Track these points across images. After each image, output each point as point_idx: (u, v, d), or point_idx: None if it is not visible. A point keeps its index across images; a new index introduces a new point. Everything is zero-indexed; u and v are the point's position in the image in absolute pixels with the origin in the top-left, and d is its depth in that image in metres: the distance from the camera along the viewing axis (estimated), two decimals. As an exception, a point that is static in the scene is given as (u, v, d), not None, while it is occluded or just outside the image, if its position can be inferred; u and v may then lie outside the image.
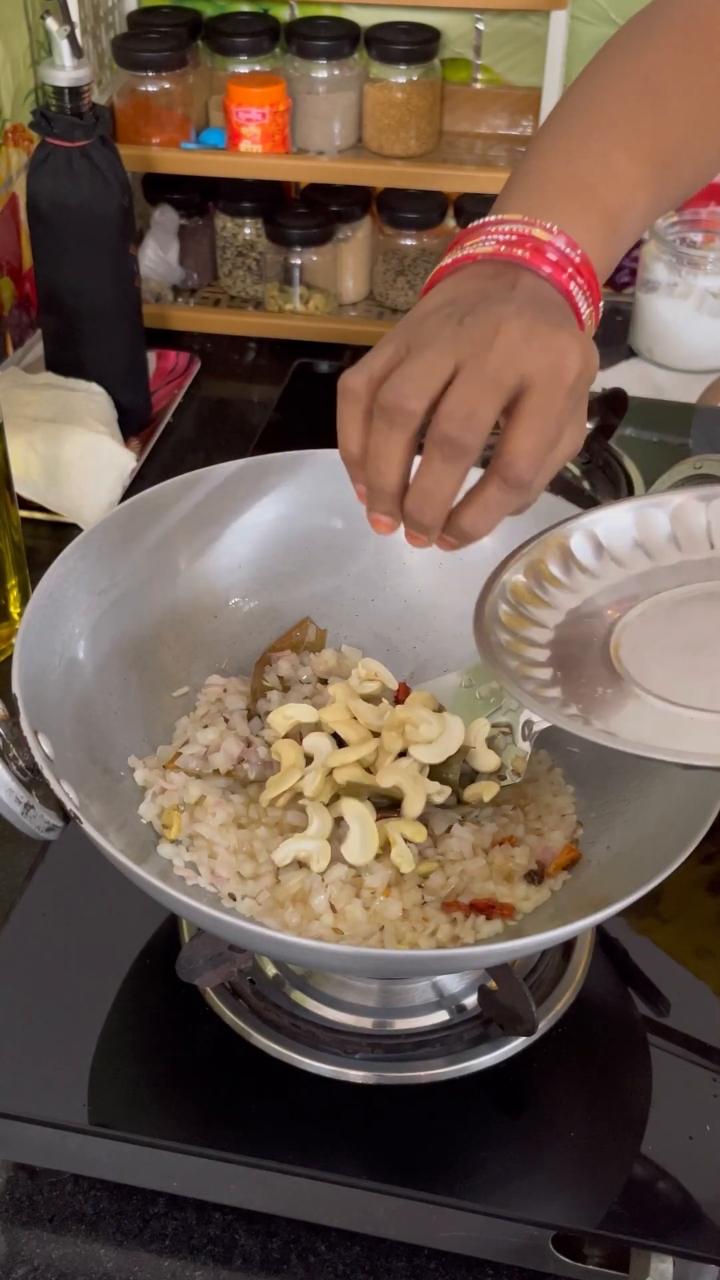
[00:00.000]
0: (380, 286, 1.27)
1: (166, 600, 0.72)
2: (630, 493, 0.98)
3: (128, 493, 1.03)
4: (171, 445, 1.12)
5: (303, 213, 1.21)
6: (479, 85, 1.25)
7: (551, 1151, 0.60)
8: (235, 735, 0.69)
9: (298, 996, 0.65)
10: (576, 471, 1.02)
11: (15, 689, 0.59)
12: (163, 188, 1.25)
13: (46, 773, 0.57)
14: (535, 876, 0.64)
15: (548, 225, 0.57)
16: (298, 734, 0.68)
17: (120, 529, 0.70)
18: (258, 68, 1.20)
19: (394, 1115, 0.61)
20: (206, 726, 0.70)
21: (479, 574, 0.74)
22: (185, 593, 0.73)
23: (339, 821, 0.65)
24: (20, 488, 0.96)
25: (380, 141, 1.19)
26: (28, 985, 0.66)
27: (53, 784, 0.57)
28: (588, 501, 0.78)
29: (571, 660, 0.58)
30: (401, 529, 0.57)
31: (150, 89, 1.18)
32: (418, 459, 0.55)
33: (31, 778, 0.58)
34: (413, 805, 0.64)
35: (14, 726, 0.59)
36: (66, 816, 0.59)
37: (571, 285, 0.57)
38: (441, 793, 0.66)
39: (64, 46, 0.95)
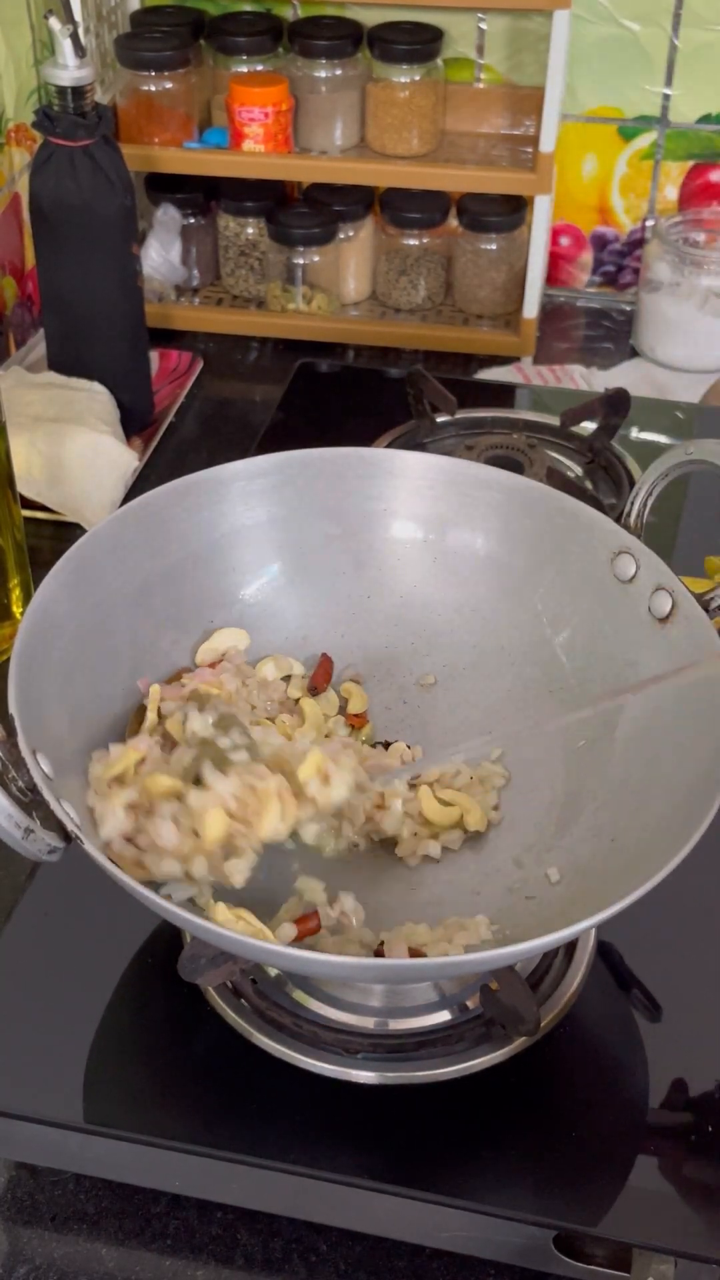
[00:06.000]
0: (383, 286, 1.27)
1: (161, 608, 0.71)
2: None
3: (130, 492, 1.03)
4: (174, 445, 1.12)
5: (305, 212, 1.21)
6: (482, 85, 1.24)
7: (553, 1151, 0.60)
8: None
9: (299, 996, 0.65)
10: (579, 471, 1.02)
11: (12, 709, 0.58)
12: (165, 187, 1.25)
13: (46, 793, 0.56)
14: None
15: None
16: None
17: (112, 539, 0.69)
18: (260, 67, 1.20)
19: (395, 1115, 0.61)
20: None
21: (472, 568, 0.75)
22: (180, 599, 0.72)
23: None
24: (22, 487, 0.96)
25: (383, 141, 1.19)
26: (30, 984, 0.66)
27: (53, 804, 0.56)
28: (590, 501, 0.78)
29: None
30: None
31: (153, 88, 1.18)
32: None
33: (32, 798, 0.57)
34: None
35: (12, 748, 0.58)
36: (68, 837, 0.58)
37: None
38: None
39: (66, 46, 0.95)
